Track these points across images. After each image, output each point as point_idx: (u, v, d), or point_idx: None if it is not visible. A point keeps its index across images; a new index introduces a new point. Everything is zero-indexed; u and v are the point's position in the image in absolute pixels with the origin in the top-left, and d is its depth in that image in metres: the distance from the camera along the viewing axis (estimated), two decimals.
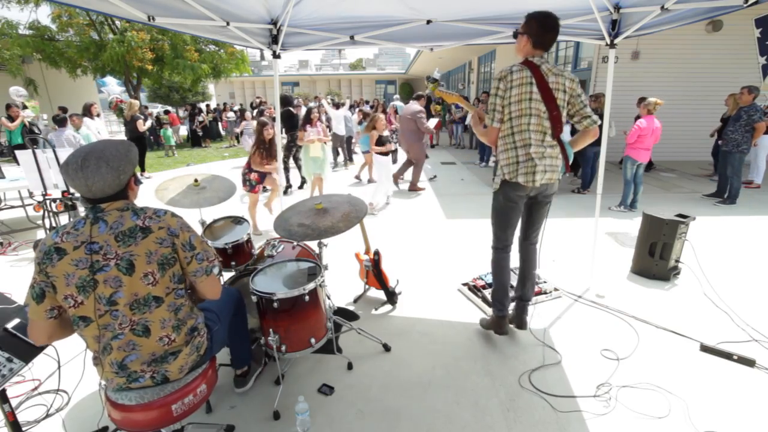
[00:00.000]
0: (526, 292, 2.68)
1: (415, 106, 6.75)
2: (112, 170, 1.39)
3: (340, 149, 9.86)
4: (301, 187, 7.62)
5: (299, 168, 7.40)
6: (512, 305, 2.74)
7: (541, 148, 2.25)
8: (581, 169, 7.00)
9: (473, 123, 2.54)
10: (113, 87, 17.86)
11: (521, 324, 2.69)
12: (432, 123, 7.31)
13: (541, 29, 2.22)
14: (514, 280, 2.82)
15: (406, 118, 6.76)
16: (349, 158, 10.13)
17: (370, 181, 8.28)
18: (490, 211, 2.54)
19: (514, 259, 2.64)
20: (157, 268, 1.45)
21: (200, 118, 15.41)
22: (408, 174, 7.45)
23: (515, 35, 2.33)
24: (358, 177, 8.42)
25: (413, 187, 7.18)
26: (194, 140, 15.22)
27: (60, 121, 6.51)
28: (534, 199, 2.46)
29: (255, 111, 11.96)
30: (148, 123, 8.52)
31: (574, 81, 2.26)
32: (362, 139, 8.50)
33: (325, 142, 5.99)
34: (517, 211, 2.47)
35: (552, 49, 12.47)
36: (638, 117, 5.56)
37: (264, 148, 4.72)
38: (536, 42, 2.23)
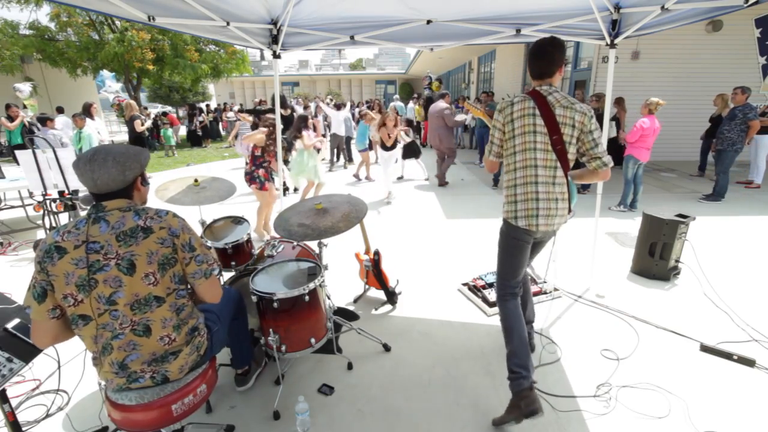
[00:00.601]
0: (529, 315, 2.46)
1: (441, 104, 7.16)
2: (117, 164, 1.41)
3: (339, 150, 9.88)
4: (295, 191, 7.50)
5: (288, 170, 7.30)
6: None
7: (550, 187, 1.99)
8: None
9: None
10: (112, 85, 17.80)
11: (530, 347, 2.35)
12: (460, 117, 7.62)
13: (532, 60, 2.08)
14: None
15: (435, 116, 7.14)
16: (349, 158, 10.17)
17: (367, 178, 8.31)
18: (498, 249, 2.24)
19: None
20: (157, 269, 1.46)
21: (200, 119, 15.42)
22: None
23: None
24: (356, 176, 8.45)
25: (441, 182, 7.60)
26: (194, 140, 15.22)
27: (42, 121, 6.60)
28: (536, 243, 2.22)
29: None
30: (148, 123, 8.54)
31: (586, 115, 1.96)
32: (358, 139, 8.55)
33: (318, 150, 5.97)
34: (524, 251, 2.15)
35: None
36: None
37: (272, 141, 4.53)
38: (532, 74, 2.09)
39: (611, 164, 2.05)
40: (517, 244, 2.13)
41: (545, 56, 2.02)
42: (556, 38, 2.02)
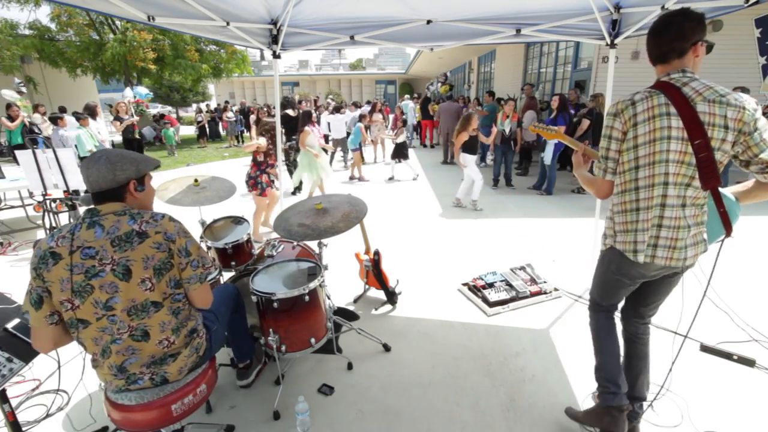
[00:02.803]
0: (640, 389, 1.92)
1: (454, 104, 10.21)
2: (108, 164, 1.42)
3: (341, 151, 9.91)
4: (294, 194, 7.50)
5: (290, 173, 7.24)
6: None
7: (679, 211, 1.55)
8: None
9: (576, 164, 1.92)
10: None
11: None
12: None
13: (651, 38, 1.61)
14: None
15: (449, 114, 9.75)
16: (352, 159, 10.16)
17: (360, 179, 8.32)
18: (596, 267, 1.94)
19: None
20: (153, 274, 1.44)
21: (198, 118, 15.42)
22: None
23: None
24: (352, 177, 8.48)
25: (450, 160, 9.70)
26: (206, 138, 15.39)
27: (53, 120, 6.65)
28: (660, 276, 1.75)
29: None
30: (124, 124, 8.54)
31: (746, 110, 1.43)
32: (352, 139, 8.58)
33: (327, 151, 5.99)
34: (629, 288, 1.82)
35: (552, 49, 12.39)
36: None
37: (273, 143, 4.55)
38: (652, 56, 1.63)
39: None
40: (622, 283, 1.78)
41: (670, 29, 1.53)
42: (689, 8, 1.55)
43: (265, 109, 12.08)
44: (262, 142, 4.51)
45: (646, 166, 1.56)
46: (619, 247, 1.69)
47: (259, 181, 4.61)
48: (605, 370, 1.85)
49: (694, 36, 1.52)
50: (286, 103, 7.33)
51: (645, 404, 1.96)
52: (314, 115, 6.11)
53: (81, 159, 5.82)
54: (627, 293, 1.86)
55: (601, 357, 1.89)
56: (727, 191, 1.66)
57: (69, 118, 8.22)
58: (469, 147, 5.84)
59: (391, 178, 8.34)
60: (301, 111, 6.58)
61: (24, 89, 9.63)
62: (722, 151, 1.48)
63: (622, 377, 1.84)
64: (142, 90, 12.29)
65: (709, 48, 1.58)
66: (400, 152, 8.07)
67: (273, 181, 4.80)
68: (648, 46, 1.64)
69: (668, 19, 1.55)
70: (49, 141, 7.03)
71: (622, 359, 1.91)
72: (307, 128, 5.62)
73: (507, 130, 7.01)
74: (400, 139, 8.11)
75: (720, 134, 1.46)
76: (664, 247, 1.59)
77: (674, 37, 1.53)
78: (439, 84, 16.79)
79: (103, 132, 8.10)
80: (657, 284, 1.80)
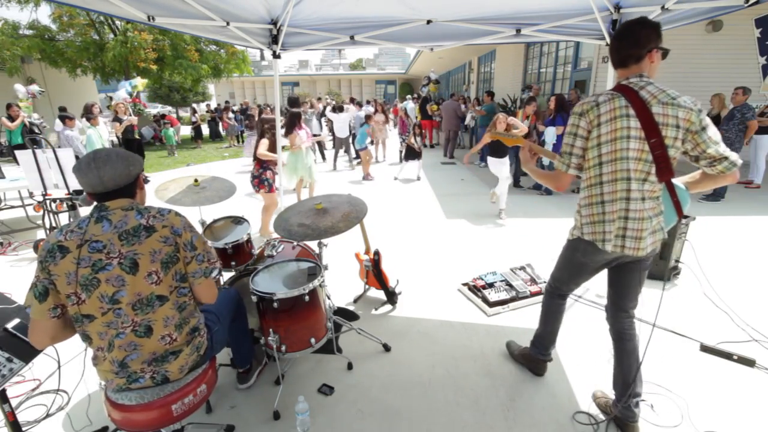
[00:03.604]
0: (636, 385, 1.93)
1: (454, 103, 10.80)
2: (121, 160, 1.44)
3: (343, 151, 9.92)
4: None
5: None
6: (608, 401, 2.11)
7: (640, 204, 1.70)
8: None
9: (524, 160, 2.08)
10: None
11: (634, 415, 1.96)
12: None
13: (612, 44, 1.77)
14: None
15: (450, 110, 10.60)
16: (356, 158, 10.14)
17: (366, 177, 8.33)
18: (560, 254, 2.12)
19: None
20: (160, 267, 1.47)
21: (194, 119, 15.40)
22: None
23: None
24: (366, 176, 8.46)
25: (452, 155, 10.69)
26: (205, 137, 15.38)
27: (62, 119, 6.68)
28: (622, 263, 1.90)
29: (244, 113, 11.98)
30: (124, 124, 8.54)
31: (693, 111, 1.61)
32: (359, 139, 8.58)
33: (321, 146, 5.95)
34: (592, 273, 1.99)
35: (552, 49, 12.41)
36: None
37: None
38: (613, 60, 1.77)
39: (740, 162, 1.65)
40: (587, 269, 1.96)
41: (629, 35, 1.68)
42: (645, 17, 1.71)
43: (267, 107, 12.08)
44: (274, 157, 4.50)
45: (609, 162, 1.71)
46: (587, 238, 1.84)
47: (264, 178, 4.56)
48: (543, 339, 2.32)
49: (650, 43, 1.65)
50: (293, 102, 7.54)
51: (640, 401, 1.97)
52: (304, 116, 6.06)
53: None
54: (585, 281, 2.08)
55: (543, 330, 2.31)
56: (678, 182, 1.78)
57: (78, 122, 8.20)
58: (498, 150, 5.36)
59: (395, 178, 8.35)
60: (288, 111, 6.49)
61: (39, 95, 9.69)
62: (675, 148, 1.65)
63: (553, 346, 2.34)
64: (129, 86, 12.32)
65: (665, 54, 1.73)
66: (412, 152, 8.02)
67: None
68: (610, 52, 1.79)
69: (627, 27, 1.70)
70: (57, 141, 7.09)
71: (555, 330, 2.32)
72: (295, 131, 5.46)
73: None
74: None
75: (672, 133, 1.63)
76: (631, 238, 1.74)
77: (632, 44, 1.67)
78: (427, 88, 17.12)
79: (103, 132, 8.12)
80: (624, 274, 1.92)
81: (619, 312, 2.00)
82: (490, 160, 5.45)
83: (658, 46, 1.67)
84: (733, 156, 1.63)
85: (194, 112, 16.12)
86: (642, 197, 1.70)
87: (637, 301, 1.97)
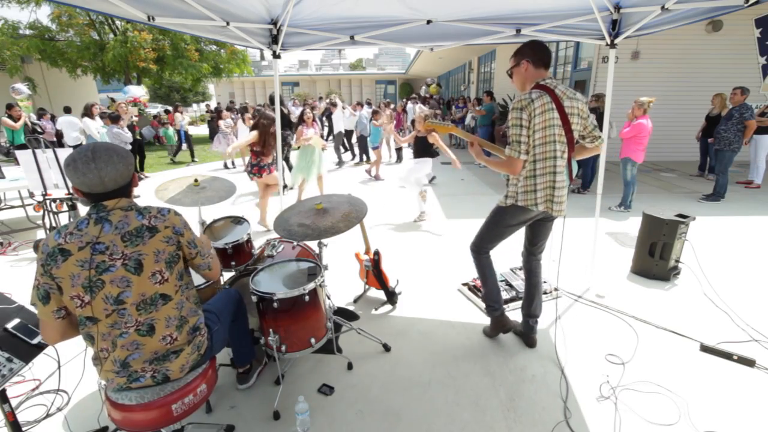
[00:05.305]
0: (534, 309, 2.62)
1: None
2: (122, 159, 1.43)
3: (343, 147, 9.93)
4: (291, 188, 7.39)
5: (289, 168, 7.31)
6: (518, 319, 2.75)
7: (560, 176, 2.21)
8: (581, 169, 7.01)
9: (476, 154, 2.43)
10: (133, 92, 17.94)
11: (531, 342, 2.68)
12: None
13: (535, 49, 2.23)
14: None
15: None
16: (366, 156, 10.11)
17: (376, 177, 8.33)
18: (487, 218, 2.52)
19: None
20: (165, 267, 1.48)
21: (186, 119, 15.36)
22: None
23: (510, 74, 2.37)
24: (377, 176, 8.48)
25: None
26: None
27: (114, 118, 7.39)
28: (538, 220, 2.45)
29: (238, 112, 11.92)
30: (124, 122, 8.58)
31: (583, 103, 2.25)
32: (372, 137, 8.56)
33: (324, 147, 6.06)
34: (512, 232, 2.50)
35: (552, 49, 12.51)
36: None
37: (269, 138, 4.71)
38: (536, 61, 2.22)
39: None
40: (514, 229, 2.45)
41: (545, 47, 2.24)
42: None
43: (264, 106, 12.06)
44: (249, 138, 4.65)
45: (541, 145, 2.18)
46: (520, 204, 2.29)
47: (264, 164, 4.78)
48: (491, 294, 2.63)
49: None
50: (280, 101, 7.53)
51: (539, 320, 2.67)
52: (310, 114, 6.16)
53: None
54: (506, 238, 2.52)
55: (487, 286, 2.63)
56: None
57: (64, 119, 8.36)
58: (423, 150, 5.54)
59: (428, 182, 8.36)
60: (290, 114, 6.75)
61: (30, 91, 9.72)
62: (576, 131, 2.26)
63: (501, 297, 2.66)
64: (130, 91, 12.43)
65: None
66: (428, 150, 7.95)
67: (273, 163, 4.91)
68: (532, 56, 2.23)
69: (544, 44, 2.28)
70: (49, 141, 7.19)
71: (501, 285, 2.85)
72: (300, 128, 5.89)
73: None
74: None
75: (576, 120, 2.22)
76: (557, 203, 2.26)
77: (550, 55, 2.26)
78: (428, 88, 17.41)
79: (103, 131, 8.11)
80: (539, 229, 2.51)
81: (531, 256, 2.61)
82: (413, 162, 5.40)
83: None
84: (598, 131, 2.33)
85: (181, 112, 16.05)
86: (561, 171, 2.22)
87: (544, 247, 2.59)
